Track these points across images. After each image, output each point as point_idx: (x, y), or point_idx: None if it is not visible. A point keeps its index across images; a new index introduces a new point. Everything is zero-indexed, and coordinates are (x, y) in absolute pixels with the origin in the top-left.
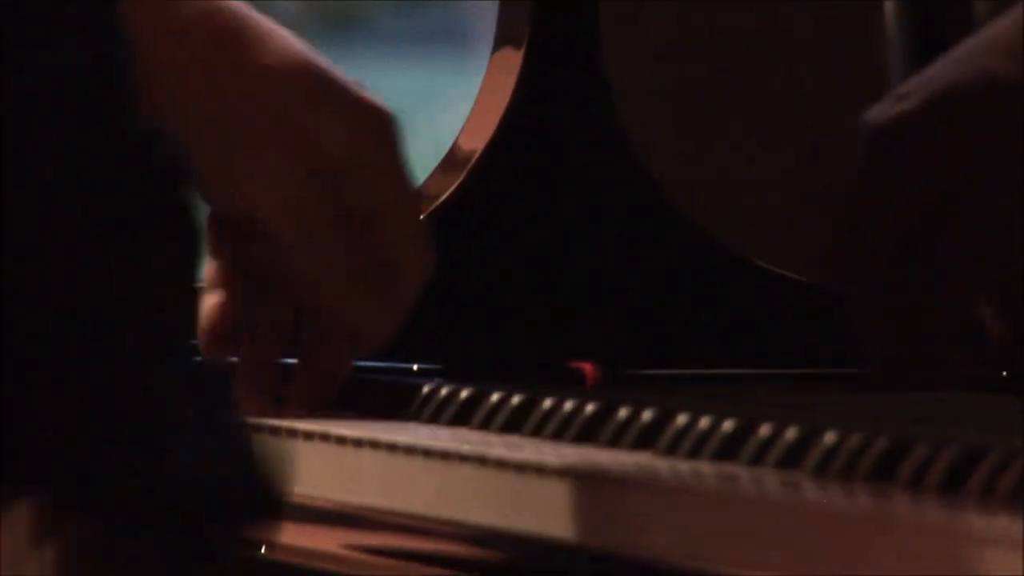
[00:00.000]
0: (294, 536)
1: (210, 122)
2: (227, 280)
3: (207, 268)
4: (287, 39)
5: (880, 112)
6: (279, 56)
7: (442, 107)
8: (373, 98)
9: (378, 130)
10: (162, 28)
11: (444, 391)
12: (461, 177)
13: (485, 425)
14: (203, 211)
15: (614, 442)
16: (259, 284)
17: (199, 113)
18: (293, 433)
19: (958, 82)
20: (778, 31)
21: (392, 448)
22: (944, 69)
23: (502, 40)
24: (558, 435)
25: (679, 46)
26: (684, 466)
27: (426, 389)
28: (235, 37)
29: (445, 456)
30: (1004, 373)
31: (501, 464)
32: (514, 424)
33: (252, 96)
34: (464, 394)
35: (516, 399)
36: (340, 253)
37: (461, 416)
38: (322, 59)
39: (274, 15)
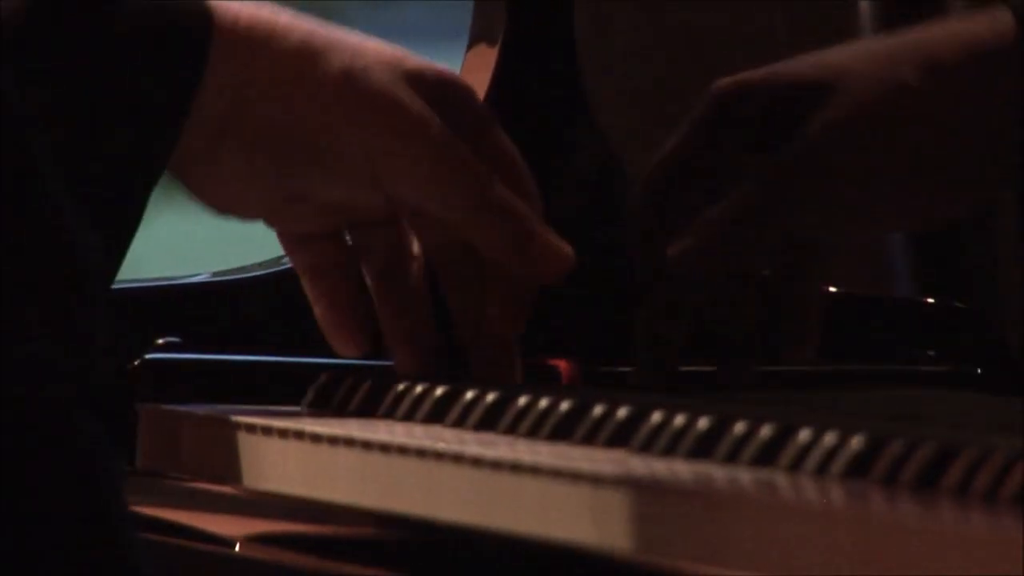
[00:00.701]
0: (269, 533)
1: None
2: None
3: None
4: (368, 43)
5: (728, 78)
6: (370, 55)
7: None
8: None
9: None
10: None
11: (419, 388)
12: None
13: (460, 423)
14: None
15: (589, 439)
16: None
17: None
18: (268, 431)
19: (807, 69)
20: (753, 31)
21: (367, 446)
22: (806, 59)
23: (477, 37)
24: (533, 432)
25: (654, 45)
26: (658, 463)
27: (401, 387)
28: (327, 49)
29: (420, 453)
30: (979, 370)
31: (477, 462)
32: (489, 421)
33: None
34: (439, 392)
35: (491, 397)
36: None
37: (436, 414)
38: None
39: None
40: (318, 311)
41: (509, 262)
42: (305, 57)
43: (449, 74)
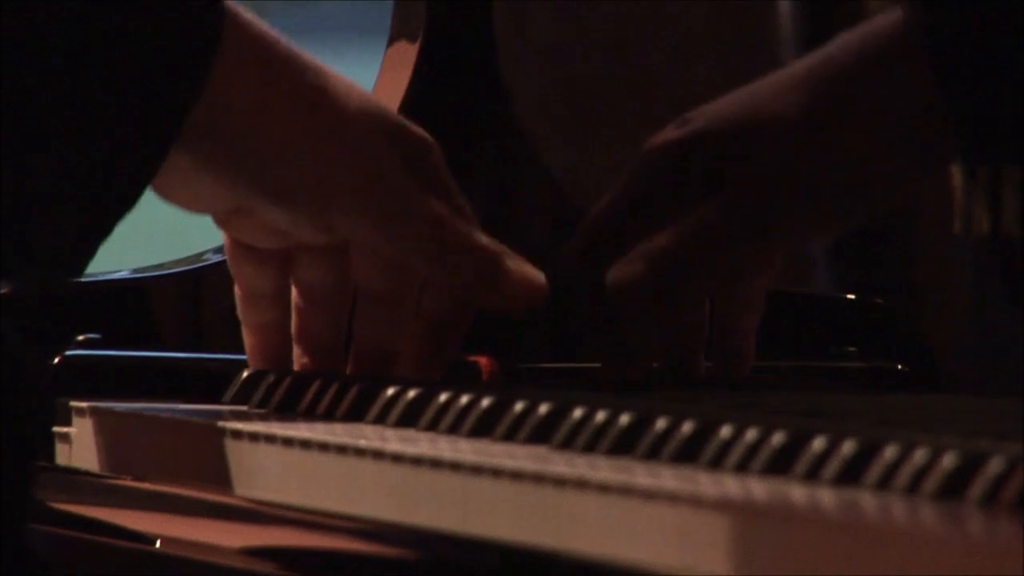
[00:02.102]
0: (190, 531)
1: (310, 168)
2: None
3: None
4: (356, 88)
5: (659, 135)
6: (356, 103)
7: None
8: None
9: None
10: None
11: (339, 385)
12: None
13: (381, 419)
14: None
15: (510, 436)
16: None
17: (302, 162)
18: (187, 427)
19: (731, 119)
20: (671, 27)
21: (288, 442)
22: (725, 104)
23: (397, 34)
24: (454, 429)
25: (573, 41)
26: (579, 460)
27: (321, 383)
28: (320, 90)
29: (341, 450)
30: (899, 367)
31: (397, 458)
32: (410, 418)
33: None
34: (359, 388)
35: (412, 393)
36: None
37: (357, 410)
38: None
39: None
40: (247, 340)
41: (483, 301)
42: (300, 87)
43: (425, 138)
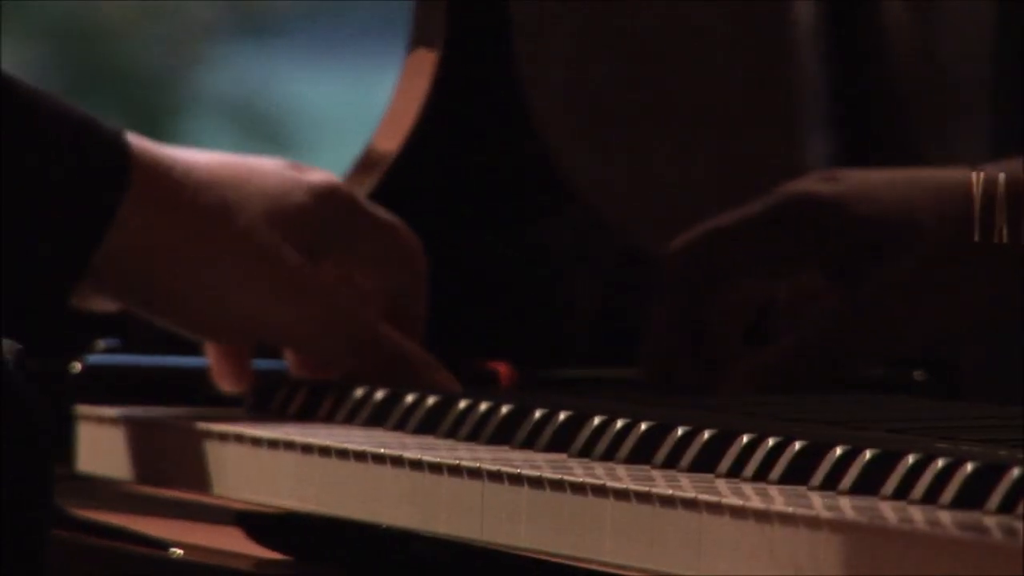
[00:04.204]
0: (209, 537)
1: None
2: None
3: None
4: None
5: (808, 183)
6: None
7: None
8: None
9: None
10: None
11: (359, 392)
12: (377, 178)
13: (400, 426)
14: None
15: (529, 443)
16: None
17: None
18: (208, 434)
19: (881, 199)
20: (690, 32)
21: (307, 449)
22: (880, 179)
23: (417, 42)
24: (473, 436)
25: (591, 48)
26: (598, 467)
27: (341, 390)
28: (224, 224)
29: (360, 457)
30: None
31: (416, 465)
32: (429, 425)
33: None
34: (379, 395)
35: (431, 400)
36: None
37: (376, 417)
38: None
39: (189, 20)
40: (209, 355)
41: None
42: (205, 226)
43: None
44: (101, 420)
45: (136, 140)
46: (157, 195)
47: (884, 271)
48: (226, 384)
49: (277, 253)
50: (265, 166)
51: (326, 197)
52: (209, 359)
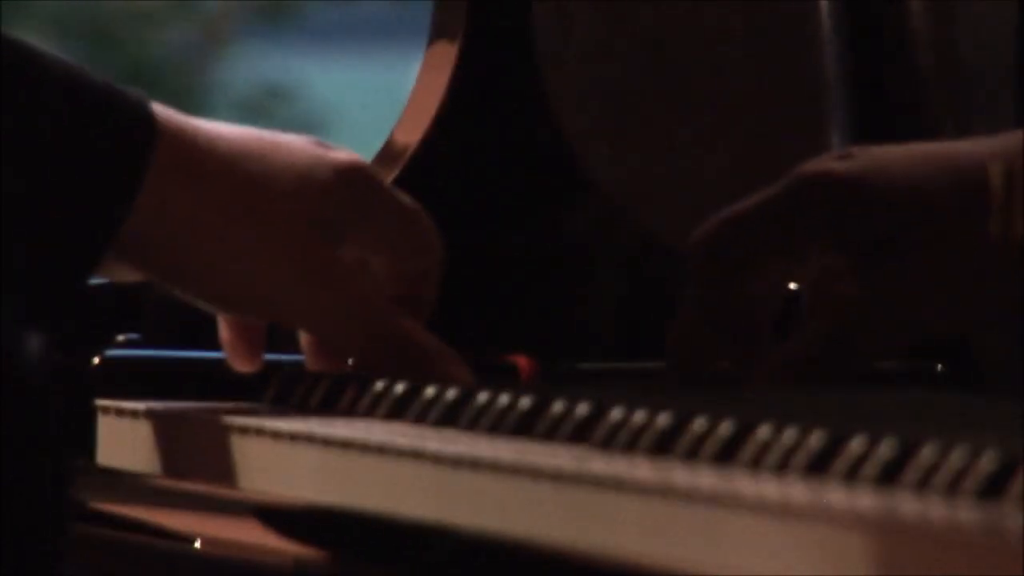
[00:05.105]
0: (230, 531)
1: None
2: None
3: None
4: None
5: (821, 162)
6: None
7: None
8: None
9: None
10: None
11: (379, 385)
12: (396, 171)
13: (420, 419)
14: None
15: (549, 436)
16: None
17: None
18: (228, 428)
19: (902, 168)
20: (712, 28)
21: (327, 442)
22: (896, 154)
23: (437, 34)
24: (493, 429)
25: (613, 43)
26: (619, 460)
27: (361, 383)
28: (251, 197)
29: (381, 450)
30: (939, 367)
31: (437, 458)
32: (449, 418)
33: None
34: (399, 388)
35: (451, 393)
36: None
37: (396, 410)
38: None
39: (206, 9)
40: (224, 335)
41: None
42: (232, 198)
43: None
44: (121, 413)
45: (160, 109)
46: (182, 164)
47: (903, 250)
48: (239, 364)
49: (302, 229)
50: (292, 142)
51: (350, 176)
52: (223, 338)
